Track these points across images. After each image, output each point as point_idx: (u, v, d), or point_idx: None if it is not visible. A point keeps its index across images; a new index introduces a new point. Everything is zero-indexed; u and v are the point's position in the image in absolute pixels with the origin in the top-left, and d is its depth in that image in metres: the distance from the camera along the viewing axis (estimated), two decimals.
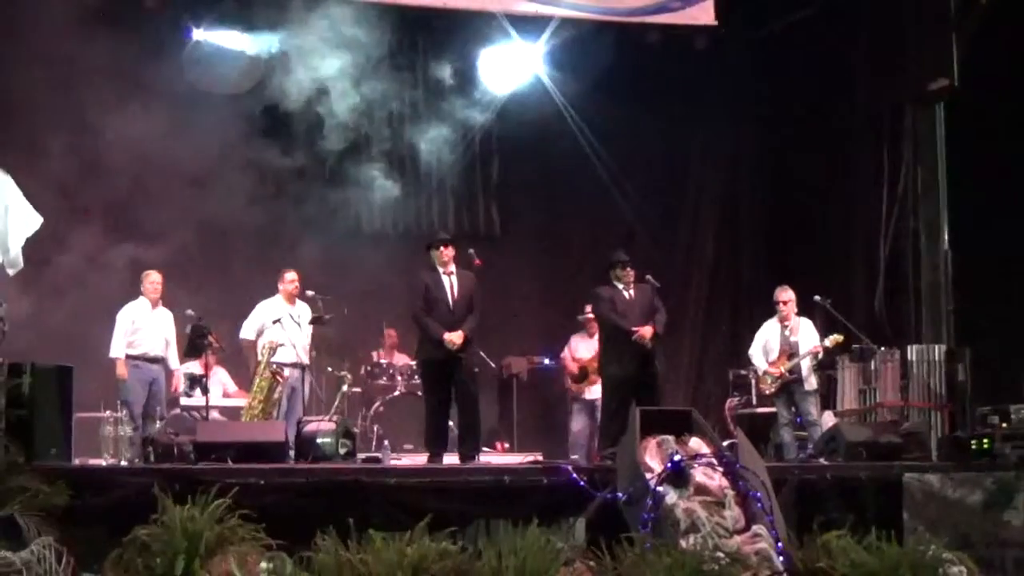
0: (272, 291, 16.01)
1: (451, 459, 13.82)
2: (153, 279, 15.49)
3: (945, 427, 15.64)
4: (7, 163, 11.23)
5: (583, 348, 17.34)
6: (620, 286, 14.57)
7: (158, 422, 14.84)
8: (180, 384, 16.21)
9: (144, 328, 15.40)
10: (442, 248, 14.04)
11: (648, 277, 14.77)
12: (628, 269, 14.60)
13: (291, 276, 15.93)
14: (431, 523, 9.84)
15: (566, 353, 17.62)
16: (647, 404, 12.96)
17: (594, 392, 16.58)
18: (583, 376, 17.22)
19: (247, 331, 15.80)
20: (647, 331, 14.19)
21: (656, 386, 14.37)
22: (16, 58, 15.78)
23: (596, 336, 16.21)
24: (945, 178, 17.27)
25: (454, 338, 13.64)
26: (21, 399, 10.69)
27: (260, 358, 15.37)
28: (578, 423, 17.34)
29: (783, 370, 15.64)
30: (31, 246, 11.30)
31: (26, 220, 11.12)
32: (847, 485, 12.19)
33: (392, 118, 16.98)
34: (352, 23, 16.39)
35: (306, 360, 15.73)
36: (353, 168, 17.58)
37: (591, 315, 16.28)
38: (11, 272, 11.08)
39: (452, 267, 14.04)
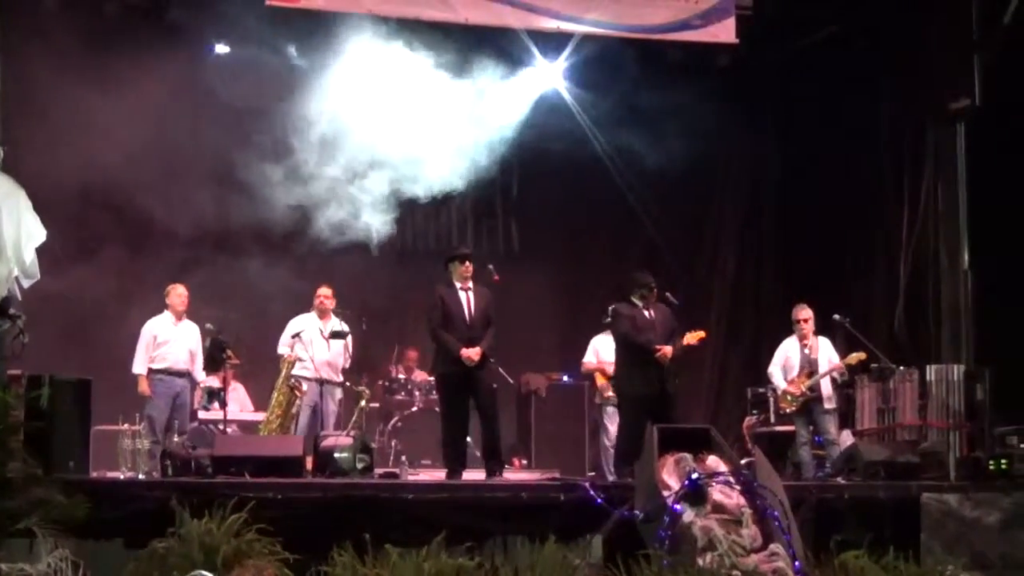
0: (299, 306, 16.06)
1: (468, 475, 13.80)
2: (180, 292, 15.54)
3: (963, 447, 15.56)
4: (23, 176, 11.27)
5: (612, 350, 16.51)
6: (640, 304, 14.54)
7: (176, 436, 14.83)
8: (199, 397, 16.24)
9: (168, 342, 15.42)
10: (461, 263, 14.07)
11: (667, 295, 14.74)
12: (653, 291, 14.54)
13: (324, 291, 15.97)
14: (448, 539, 9.88)
15: (591, 358, 17.07)
16: (664, 423, 12.95)
17: None
18: None
19: (282, 346, 15.81)
20: (668, 350, 14.17)
21: (673, 405, 14.35)
22: (36, 70, 15.82)
23: None
24: (966, 197, 17.22)
25: (471, 354, 13.60)
26: (40, 411, 10.72)
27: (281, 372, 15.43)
28: (615, 425, 16.16)
29: (803, 388, 15.61)
30: (50, 259, 11.33)
31: (32, 232, 11.17)
32: (865, 504, 12.21)
33: (412, 134, 16.95)
34: (372, 40, 16.41)
35: (335, 377, 15.78)
36: (373, 184, 17.60)
37: None
38: (26, 284, 11.12)
39: (470, 282, 14.04)
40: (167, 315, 15.53)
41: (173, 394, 15.32)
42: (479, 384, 13.78)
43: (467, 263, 14.04)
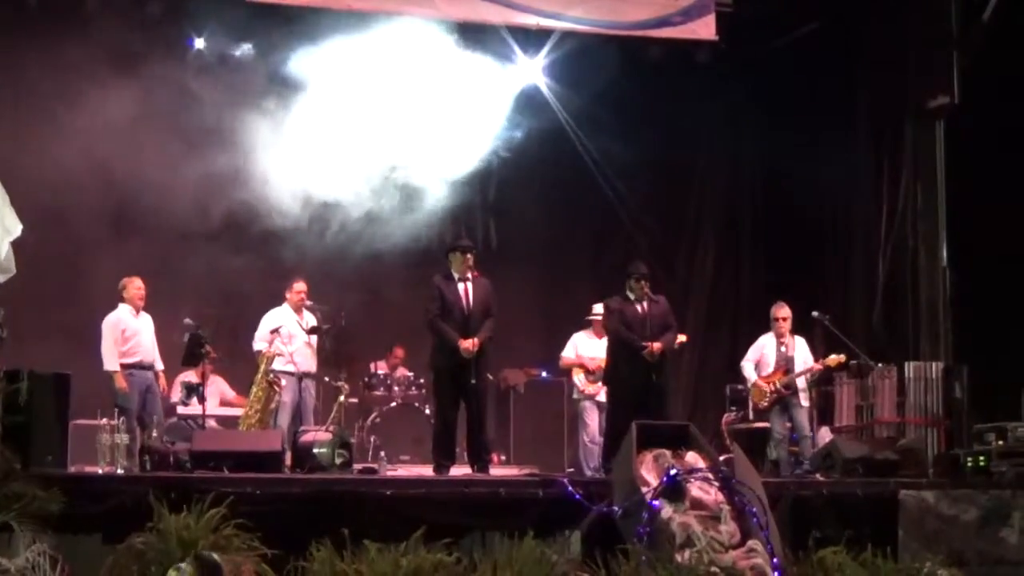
0: (276, 301, 16.03)
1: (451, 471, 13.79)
2: (138, 285, 15.38)
3: (941, 444, 15.63)
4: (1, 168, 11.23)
5: (592, 347, 16.73)
6: (632, 297, 14.51)
7: (153, 430, 14.75)
8: (177, 393, 16.18)
9: (137, 334, 15.31)
10: (463, 254, 14.03)
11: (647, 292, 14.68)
12: (643, 282, 14.51)
13: (300, 286, 15.95)
14: (427, 534, 9.83)
15: (570, 353, 17.00)
16: (653, 416, 12.98)
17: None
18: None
19: (258, 342, 15.75)
20: (656, 347, 14.15)
21: (662, 400, 14.34)
22: (14, 63, 15.77)
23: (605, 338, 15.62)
24: (944, 195, 17.29)
25: (469, 345, 13.61)
26: (18, 406, 10.66)
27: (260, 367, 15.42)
28: (593, 421, 16.63)
29: (777, 384, 15.64)
30: (28, 253, 11.29)
31: (8, 226, 11.11)
32: (843, 501, 12.19)
33: (390, 131, 16.92)
34: (351, 35, 16.40)
35: (313, 369, 15.78)
36: (350, 182, 17.56)
37: (598, 316, 16.11)
38: (2, 279, 11.07)
39: (468, 274, 13.99)
40: (126, 308, 15.35)
41: (145, 387, 15.22)
42: (474, 377, 13.73)
43: (468, 255, 14.02)
